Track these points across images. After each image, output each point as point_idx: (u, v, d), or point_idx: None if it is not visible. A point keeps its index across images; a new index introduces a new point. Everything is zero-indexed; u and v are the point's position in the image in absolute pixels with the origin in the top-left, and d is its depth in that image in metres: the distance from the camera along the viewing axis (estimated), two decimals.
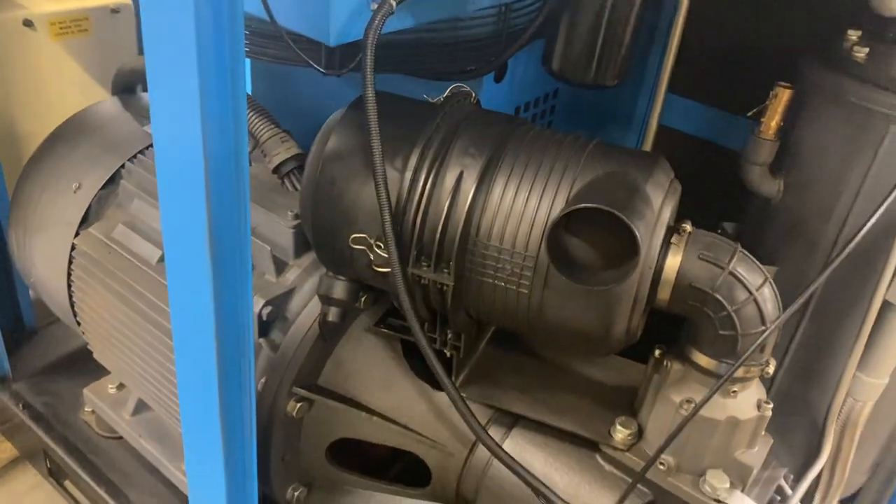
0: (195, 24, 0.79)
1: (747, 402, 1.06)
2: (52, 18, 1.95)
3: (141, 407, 1.62)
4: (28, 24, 1.90)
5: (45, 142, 1.61)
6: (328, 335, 1.21)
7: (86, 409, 1.72)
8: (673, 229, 1.01)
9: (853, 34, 1.30)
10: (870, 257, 1.27)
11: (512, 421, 1.22)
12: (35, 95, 1.97)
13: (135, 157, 1.50)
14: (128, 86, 1.70)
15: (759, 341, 0.95)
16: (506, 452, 1.10)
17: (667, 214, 0.98)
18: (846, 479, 1.50)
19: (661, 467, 1.09)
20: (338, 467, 1.32)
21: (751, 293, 0.98)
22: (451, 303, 1.03)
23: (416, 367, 1.28)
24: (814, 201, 1.31)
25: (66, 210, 1.51)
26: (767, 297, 0.99)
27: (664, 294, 1.01)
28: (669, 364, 1.08)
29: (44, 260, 1.57)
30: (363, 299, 1.23)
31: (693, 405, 1.04)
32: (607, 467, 1.15)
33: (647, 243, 0.94)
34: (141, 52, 2.19)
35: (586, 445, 1.17)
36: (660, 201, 0.97)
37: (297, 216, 1.28)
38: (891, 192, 1.09)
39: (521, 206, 0.98)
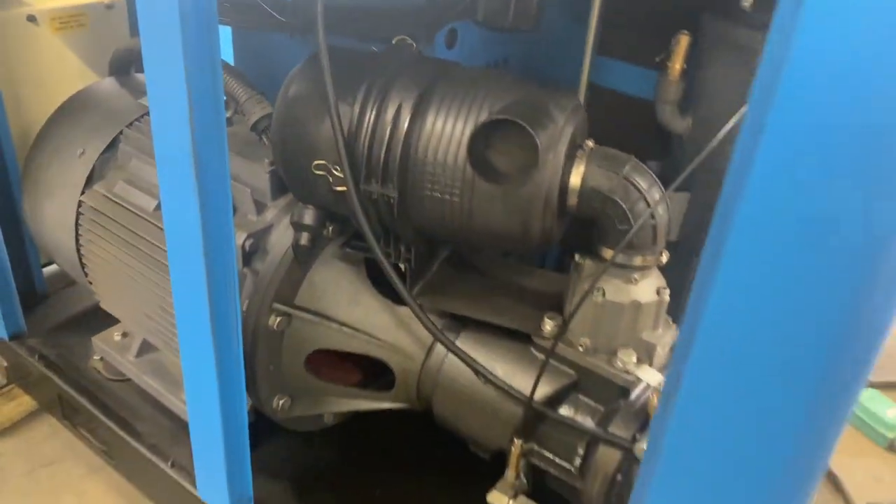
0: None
1: (648, 288, 1.27)
2: (54, 14, 2.16)
3: (143, 350, 1.82)
4: (31, 19, 2.12)
5: (51, 117, 1.83)
6: (301, 258, 1.42)
7: (94, 357, 1.92)
8: (577, 146, 1.23)
9: None
10: None
11: (460, 327, 1.43)
12: (38, 84, 2.18)
13: (131, 124, 1.71)
14: (122, 67, 1.91)
15: (636, 225, 1.16)
16: (455, 345, 1.31)
17: (569, 130, 1.19)
18: None
19: (580, 349, 1.30)
20: (316, 377, 1.52)
21: (641, 193, 1.19)
22: (397, 213, 1.24)
23: (379, 287, 1.49)
24: (717, 133, 1.52)
25: (72, 173, 1.72)
26: (655, 195, 1.20)
27: (573, 200, 1.22)
28: (584, 262, 1.29)
29: (54, 220, 1.78)
30: (330, 229, 1.44)
31: (602, 291, 1.25)
32: (539, 355, 1.36)
33: (550, 151, 1.15)
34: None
35: (522, 340, 1.38)
36: (563, 120, 1.18)
37: (272, 164, 1.50)
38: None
39: (450, 129, 1.19)
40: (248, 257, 1.48)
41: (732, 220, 0.71)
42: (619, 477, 1.24)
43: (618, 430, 1.23)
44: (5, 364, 2.04)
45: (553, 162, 1.17)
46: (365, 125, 1.22)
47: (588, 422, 1.29)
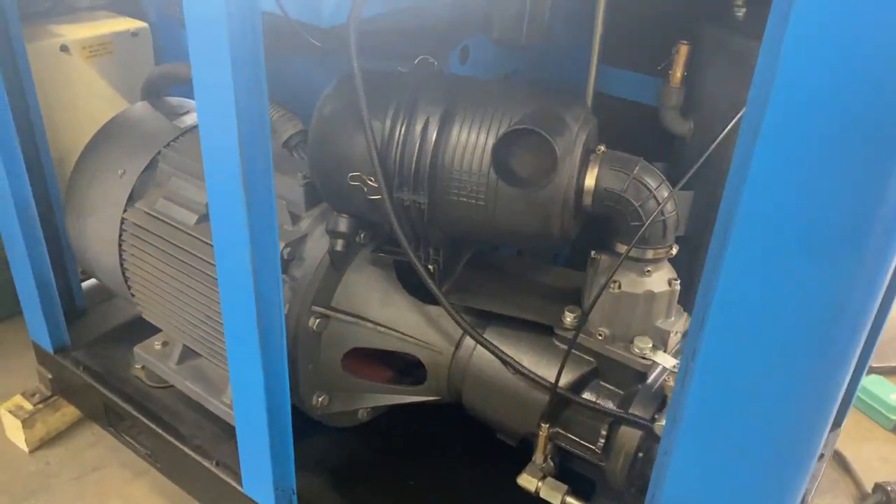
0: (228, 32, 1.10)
1: (660, 279, 1.37)
2: (84, 43, 2.29)
3: (184, 356, 1.92)
4: (64, 49, 2.24)
5: (91, 140, 1.94)
6: (337, 263, 1.53)
7: (136, 366, 2.03)
8: (590, 150, 1.34)
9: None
10: None
11: (486, 322, 1.54)
12: (71, 109, 2.30)
13: (168, 145, 1.83)
14: (155, 91, 2.03)
15: (648, 222, 1.26)
16: (484, 338, 1.42)
17: (583, 136, 1.30)
18: None
19: (600, 338, 1.41)
20: (352, 374, 1.63)
21: (650, 191, 1.30)
22: (427, 218, 1.36)
23: (410, 289, 1.59)
24: (716, 134, 1.63)
25: (114, 193, 1.83)
26: (664, 193, 1.31)
27: (588, 200, 1.33)
28: (599, 258, 1.40)
29: (97, 237, 1.89)
30: (362, 235, 1.55)
31: (618, 284, 1.36)
32: (561, 346, 1.46)
33: (566, 157, 1.26)
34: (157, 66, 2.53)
35: (544, 332, 1.48)
36: (577, 127, 1.30)
37: (305, 177, 1.61)
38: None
39: (475, 139, 1.30)
40: (285, 265, 1.59)
41: (734, 216, 0.82)
42: (640, 454, 1.35)
43: (638, 410, 1.34)
44: (50, 376, 2.15)
45: (569, 166, 1.28)
46: (396, 139, 1.33)
47: (609, 405, 1.40)
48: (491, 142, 1.29)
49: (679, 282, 1.38)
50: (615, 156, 1.34)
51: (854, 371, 0.90)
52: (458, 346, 1.54)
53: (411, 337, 1.55)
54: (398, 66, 1.53)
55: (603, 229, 1.41)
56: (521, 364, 1.41)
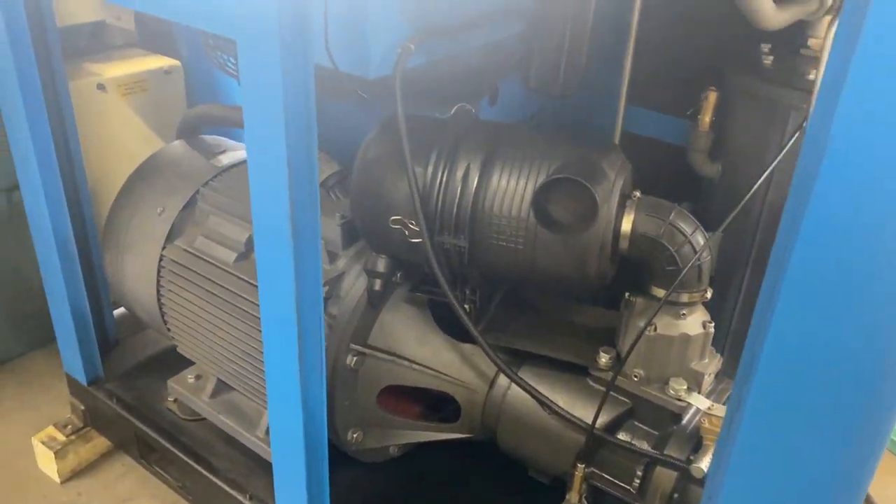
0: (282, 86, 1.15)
1: (695, 322, 1.41)
2: (120, 81, 2.35)
3: (218, 390, 1.95)
4: (101, 87, 2.31)
5: (130, 178, 2.00)
6: (374, 302, 1.57)
7: (169, 398, 2.06)
8: (626, 196, 1.38)
9: (765, 46, 1.68)
10: None
11: (521, 361, 1.57)
12: (107, 145, 2.36)
13: (206, 183, 1.88)
14: (191, 130, 2.08)
15: (686, 268, 1.30)
16: (520, 377, 1.45)
17: (620, 184, 1.34)
18: None
19: (635, 380, 1.43)
20: (386, 411, 1.66)
21: (686, 237, 1.34)
22: (467, 261, 1.39)
23: (443, 327, 1.63)
24: (744, 177, 1.67)
25: (153, 230, 1.88)
26: (699, 239, 1.35)
27: (624, 244, 1.37)
28: (635, 300, 1.43)
29: (135, 272, 1.93)
30: (398, 275, 1.59)
31: (654, 326, 1.39)
32: (596, 386, 1.49)
33: (605, 204, 1.30)
34: (189, 104, 2.59)
35: (579, 372, 1.51)
36: (613, 174, 1.33)
37: (342, 217, 1.65)
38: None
39: (514, 186, 1.35)
40: (323, 302, 1.62)
41: (786, 267, 0.85)
42: (675, 495, 1.37)
43: (673, 451, 1.36)
44: (82, 408, 2.18)
45: (607, 212, 1.32)
46: (437, 184, 1.38)
47: (644, 445, 1.42)
48: (530, 188, 1.33)
49: (713, 324, 1.41)
50: (651, 201, 1.38)
51: None
52: (492, 384, 1.57)
53: (447, 375, 1.58)
54: (434, 110, 1.58)
55: (636, 271, 1.44)
56: (557, 405, 1.44)
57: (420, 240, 1.37)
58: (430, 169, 1.38)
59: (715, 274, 1.79)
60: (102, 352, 2.20)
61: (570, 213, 1.31)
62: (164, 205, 1.89)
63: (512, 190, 1.34)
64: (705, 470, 1.30)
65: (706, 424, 1.34)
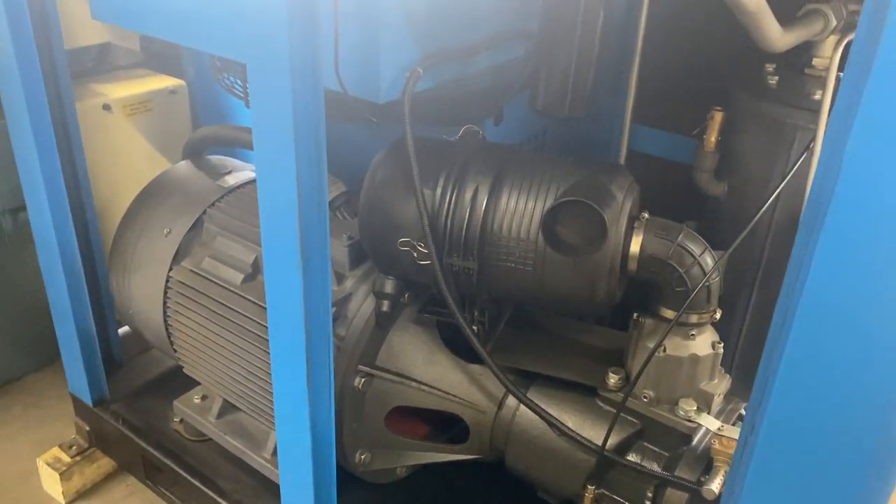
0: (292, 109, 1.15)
1: (704, 342, 1.40)
2: (125, 102, 2.37)
3: (224, 411, 1.95)
4: (107, 108, 2.32)
5: (136, 199, 2.00)
6: (382, 324, 1.57)
7: (175, 419, 2.05)
8: (635, 217, 1.38)
9: (770, 66, 1.69)
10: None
11: (529, 382, 1.57)
12: (112, 165, 2.37)
13: (213, 204, 1.88)
14: (197, 151, 2.09)
15: (695, 290, 1.30)
16: (529, 398, 1.45)
17: (628, 205, 1.34)
18: None
19: (644, 400, 1.43)
20: (394, 432, 1.65)
21: (695, 258, 1.34)
22: (476, 282, 1.39)
23: (451, 348, 1.63)
24: (750, 196, 1.67)
25: (160, 251, 1.88)
26: (707, 260, 1.35)
27: (633, 265, 1.37)
28: (643, 321, 1.43)
29: (142, 293, 1.93)
30: (406, 296, 1.59)
31: (663, 347, 1.38)
32: (605, 407, 1.49)
33: (614, 225, 1.30)
34: (194, 124, 2.60)
35: (588, 393, 1.51)
36: (622, 196, 1.34)
37: (349, 238, 1.65)
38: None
39: (523, 207, 1.35)
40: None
41: (800, 291, 0.85)
42: None
43: (684, 473, 1.36)
44: (88, 428, 2.18)
45: (616, 234, 1.32)
46: (446, 206, 1.38)
47: (654, 467, 1.42)
48: (539, 210, 1.33)
49: (722, 345, 1.41)
50: (659, 222, 1.38)
51: None
52: (500, 405, 1.57)
53: (455, 396, 1.58)
54: (441, 131, 1.58)
55: (644, 292, 1.44)
56: (566, 426, 1.44)
57: (429, 262, 1.38)
58: (439, 191, 1.39)
59: (721, 293, 1.80)
60: (108, 372, 2.19)
61: (579, 235, 1.31)
62: (171, 226, 1.89)
63: (521, 212, 1.35)
64: (716, 491, 1.29)
65: (716, 445, 1.33)
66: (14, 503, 2.17)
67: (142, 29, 1.51)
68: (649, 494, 1.40)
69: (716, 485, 1.29)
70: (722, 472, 1.31)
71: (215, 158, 2.09)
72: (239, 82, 1.79)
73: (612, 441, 1.42)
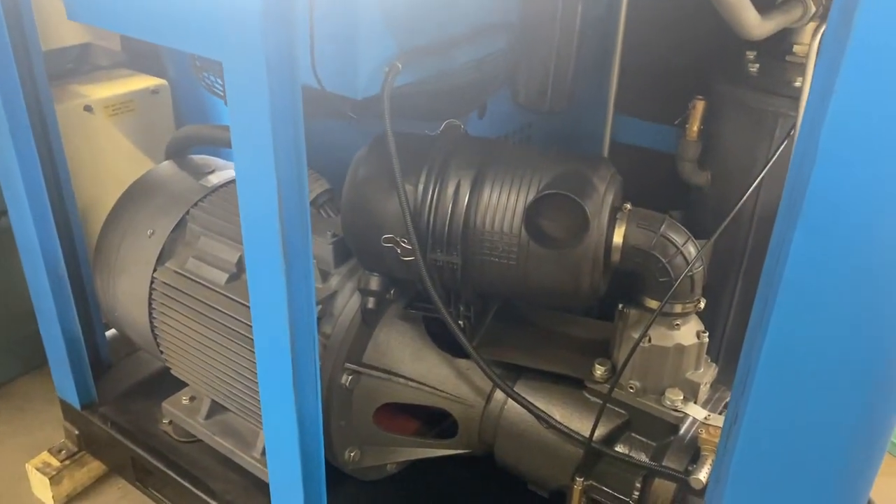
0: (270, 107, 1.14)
1: (689, 332, 1.41)
2: (107, 103, 2.35)
3: (212, 411, 1.94)
4: (88, 109, 2.30)
5: (119, 200, 1.98)
6: (369, 321, 1.56)
7: (164, 420, 2.05)
8: (617, 208, 1.38)
9: (750, 54, 1.69)
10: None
11: (516, 375, 1.57)
12: (94, 166, 2.35)
13: (196, 204, 1.87)
14: (180, 151, 2.07)
15: (679, 279, 1.30)
16: (516, 392, 1.45)
17: (610, 197, 1.34)
18: None
19: (631, 391, 1.43)
20: (382, 429, 1.65)
21: (678, 248, 1.34)
22: (460, 277, 1.39)
23: (438, 343, 1.62)
24: (733, 185, 1.67)
25: (144, 252, 1.87)
26: (690, 249, 1.35)
27: (616, 256, 1.37)
28: (628, 311, 1.43)
29: (127, 295, 1.92)
30: (392, 292, 1.58)
31: (648, 338, 1.38)
32: (592, 399, 1.49)
33: (596, 217, 1.30)
34: (177, 123, 2.58)
35: (575, 385, 1.51)
36: (604, 188, 1.34)
37: (334, 235, 1.64)
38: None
39: (505, 202, 1.34)
40: (316, 321, 1.61)
41: (779, 277, 0.85)
42: None
43: (671, 462, 1.36)
44: (77, 432, 2.17)
45: (598, 226, 1.32)
46: (428, 202, 1.37)
47: (642, 457, 1.42)
48: (521, 203, 1.33)
49: (707, 334, 1.41)
50: (641, 213, 1.38)
51: None
52: (488, 399, 1.57)
53: (443, 391, 1.58)
54: (423, 126, 1.58)
55: (629, 283, 1.44)
56: (554, 418, 1.44)
57: (413, 258, 1.37)
58: (421, 187, 1.38)
59: (707, 282, 1.80)
60: (95, 375, 2.18)
61: (562, 227, 1.31)
62: (154, 226, 1.88)
63: (503, 206, 1.34)
64: (704, 480, 1.30)
65: (704, 434, 1.33)
66: None
67: (118, 28, 1.49)
68: (637, 485, 1.41)
69: (703, 474, 1.30)
70: (709, 462, 1.31)
71: (198, 158, 2.08)
72: (219, 81, 1.77)
73: (599, 432, 1.42)
